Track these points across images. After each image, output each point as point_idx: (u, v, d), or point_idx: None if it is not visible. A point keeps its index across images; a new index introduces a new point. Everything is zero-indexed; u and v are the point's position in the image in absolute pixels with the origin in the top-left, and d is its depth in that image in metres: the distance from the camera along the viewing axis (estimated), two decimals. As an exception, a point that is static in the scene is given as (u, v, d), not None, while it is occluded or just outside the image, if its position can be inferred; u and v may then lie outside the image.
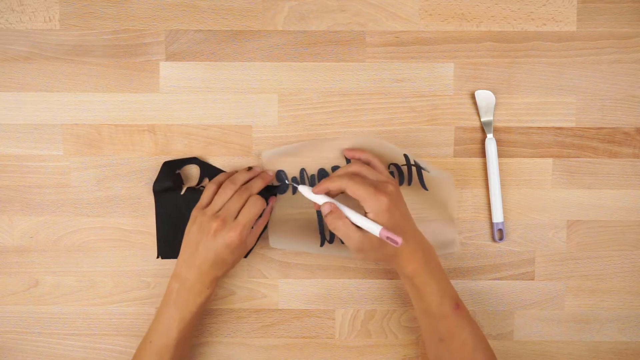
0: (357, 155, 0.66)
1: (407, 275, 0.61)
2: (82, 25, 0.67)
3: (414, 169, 0.67)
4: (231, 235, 0.61)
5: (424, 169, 0.66)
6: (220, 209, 0.62)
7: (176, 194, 0.67)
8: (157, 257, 0.68)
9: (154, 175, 0.68)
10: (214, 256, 0.61)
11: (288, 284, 0.69)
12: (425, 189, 0.67)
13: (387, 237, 0.56)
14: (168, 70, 0.67)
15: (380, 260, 0.61)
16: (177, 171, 0.68)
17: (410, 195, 0.67)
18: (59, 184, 0.68)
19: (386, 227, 0.58)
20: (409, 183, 0.67)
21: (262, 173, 0.67)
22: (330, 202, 0.60)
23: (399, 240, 0.56)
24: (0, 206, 0.68)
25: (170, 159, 0.68)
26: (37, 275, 0.69)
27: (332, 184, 0.60)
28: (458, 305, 0.61)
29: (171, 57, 0.67)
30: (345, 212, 0.59)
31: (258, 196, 0.63)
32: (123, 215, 0.68)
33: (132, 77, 0.67)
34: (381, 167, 0.64)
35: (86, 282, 0.69)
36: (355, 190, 0.59)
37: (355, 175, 0.61)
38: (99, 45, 0.67)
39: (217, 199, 0.63)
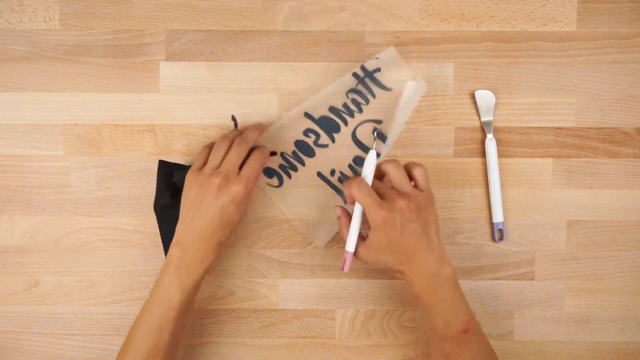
0: (411, 166, 0.61)
1: (414, 295, 0.60)
2: (82, 25, 0.67)
3: (367, 80, 0.67)
4: (236, 189, 0.59)
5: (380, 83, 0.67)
6: (218, 166, 0.60)
7: (176, 210, 0.64)
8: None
9: (154, 175, 0.68)
10: (220, 215, 0.59)
11: (288, 284, 0.69)
12: (388, 89, 0.67)
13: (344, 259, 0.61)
14: (168, 70, 0.67)
15: (388, 269, 0.61)
16: (173, 179, 0.66)
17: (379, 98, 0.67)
18: (59, 184, 0.68)
19: (377, 242, 0.58)
20: (374, 96, 0.67)
21: (257, 124, 0.65)
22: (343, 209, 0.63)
23: (344, 268, 0.60)
24: (0, 206, 0.68)
25: (164, 163, 0.67)
26: (37, 275, 0.69)
27: (345, 189, 0.60)
28: (467, 329, 0.58)
29: (171, 57, 0.67)
30: (354, 218, 0.60)
31: (263, 146, 0.63)
32: (123, 215, 0.68)
33: (132, 77, 0.67)
34: (424, 181, 0.60)
35: (86, 282, 0.69)
36: (359, 198, 0.59)
37: (377, 179, 0.61)
38: (99, 45, 0.67)
39: (212, 157, 0.61)
